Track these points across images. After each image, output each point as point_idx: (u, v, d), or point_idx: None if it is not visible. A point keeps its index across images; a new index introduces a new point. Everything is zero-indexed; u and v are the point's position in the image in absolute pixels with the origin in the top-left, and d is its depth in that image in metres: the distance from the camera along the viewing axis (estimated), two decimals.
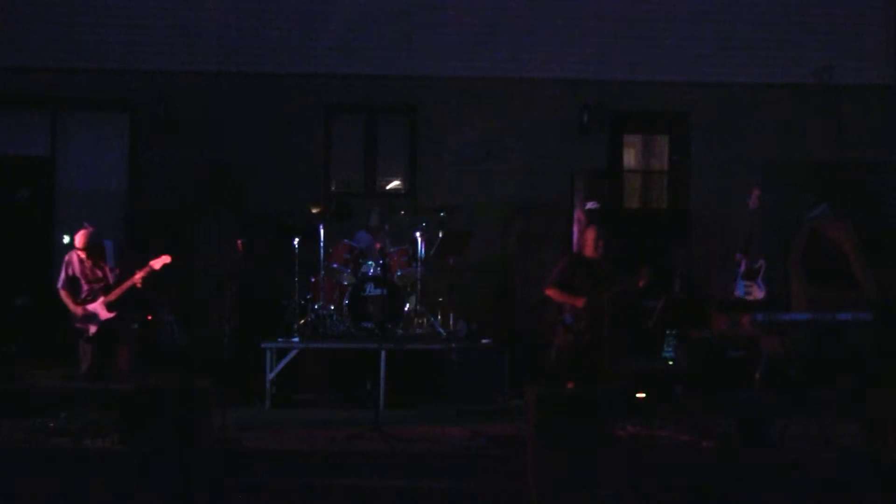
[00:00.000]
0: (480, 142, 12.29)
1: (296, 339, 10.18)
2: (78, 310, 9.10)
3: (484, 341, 10.31)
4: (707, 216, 12.23)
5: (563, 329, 9.17)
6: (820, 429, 7.83)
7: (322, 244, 10.59)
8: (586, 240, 9.47)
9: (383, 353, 9.81)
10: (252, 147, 12.02)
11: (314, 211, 10.52)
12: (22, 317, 10.83)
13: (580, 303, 9.05)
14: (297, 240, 10.49)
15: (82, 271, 9.10)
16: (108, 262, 9.07)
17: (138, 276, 8.90)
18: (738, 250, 10.37)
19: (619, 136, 12.66)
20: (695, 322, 9.61)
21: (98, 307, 9.07)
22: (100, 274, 9.09)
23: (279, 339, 10.21)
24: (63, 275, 9.16)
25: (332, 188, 12.36)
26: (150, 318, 10.26)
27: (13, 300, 10.89)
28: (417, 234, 10.73)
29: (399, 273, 10.53)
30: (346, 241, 10.74)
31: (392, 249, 10.72)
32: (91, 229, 9.03)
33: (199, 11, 12.03)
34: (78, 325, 9.13)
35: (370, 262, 10.49)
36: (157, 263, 8.89)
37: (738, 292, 10.23)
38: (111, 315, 9.03)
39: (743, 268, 10.27)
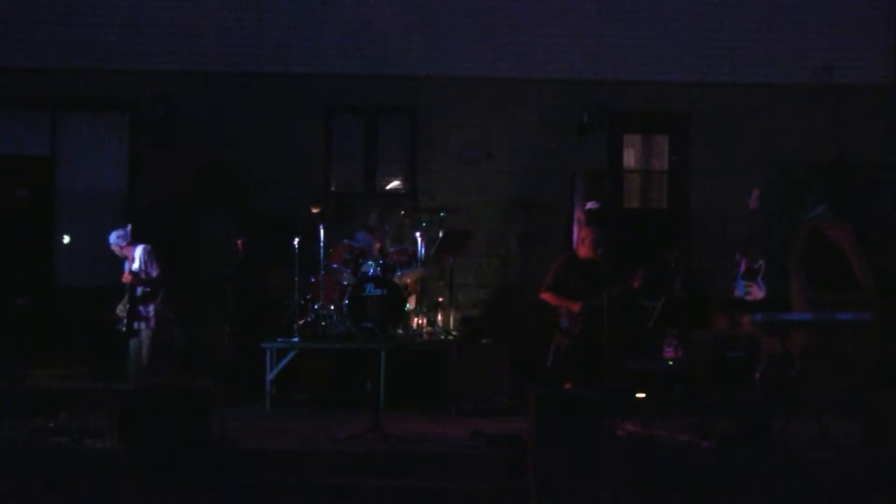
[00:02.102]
0: (480, 142, 12.28)
1: (296, 339, 10.18)
2: None
3: (484, 341, 10.31)
4: (707, 216, 12.23)
5: (560, 333, 9.17)
6: (820, 429, 7.83)
7: (322, 244, 10.59)
8: (583, 240, 9.47)
9: (383, 353, 9.81)
10: (252, 147, 12.02)
11: (314, 211, 10.52)
12: (22, 317, 10.83)
13: (576, 307, 9.04)
14: (297, 240, 10.49)
15: None
16: (133, 264, 9.46)
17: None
18: (738, 250, 10.37)
19: (619, 136, 12.65)
20: (695, 322, 9.61)
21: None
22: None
23: (279, 339, 10.21)
24: None
25: (332, 188, 12.35)
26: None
27: (13, 300, 10.89)
28: (417, 234, 10.74)
29: (399, 273, 10.53)
30: (346, 241, 10.74)
31: (392, 249, 10.72)
32: (117, 229, 9.60)
33: (199, 11, 12.02)
34: None
35: (370, 262, 10.49)
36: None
37: (738, 292, 10.23)
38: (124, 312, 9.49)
39: (743, 268, 10.27)
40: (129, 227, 9.68)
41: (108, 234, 9.89)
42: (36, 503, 7.22)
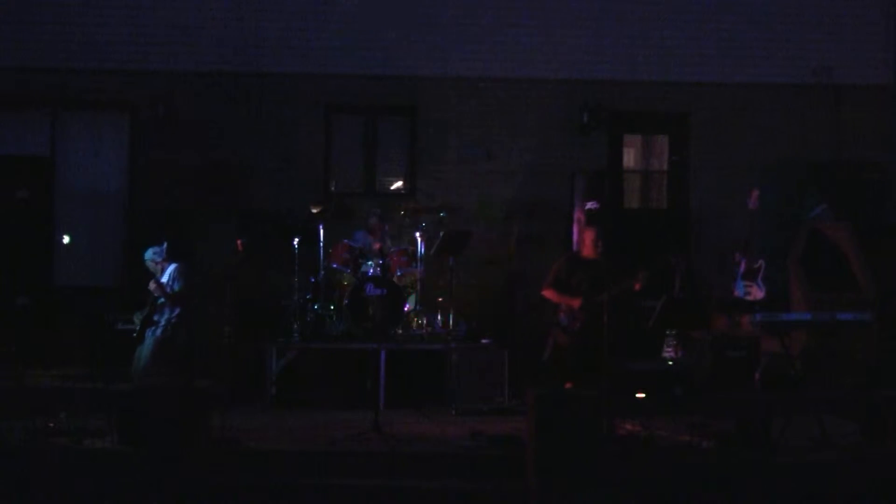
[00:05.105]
0: (480, 142, 12.28)
1: (296, 339, 10.17)
2: None
3: (484, 341, 10.31)
4: (707, 216, 12.23)
5: (559, 329, 9.17)
6: (820, 428, 7.83)
7: (322, 244, 10.58)
8: (585, 240, 9.49)
9: (383, 353, 9.81)
10: (252, 147, 12.01)
11: (314, 211, 10.52)
12: (22, 317, 10.82)
13: (577, 303, 9.06)
14: (297, 240, 10.49)
15: None
16: (161, 277, 9.67)
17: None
18: (738, 250, 10.38)
19: (619, 136, 12.65)
20: (695, 322, 9.62)
21: None
22: None
23: (279, 339, 10.21)
24: None
25: (332, 188, 12.33)
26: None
27: (13, 300, 10.88)
28: (417, 234, 10.74)
29: (399, 273, 10.52)
30: (346, 241, 10.74)
31: (392, 249, 10.72)
32: (154, 246, 9.82)
33: (199, 11, 12.02)
34: None
35: (370, 262, 10.49)
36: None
37: (738, 292, 10.23)
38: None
39: (743, 268, 10.28)
40: (165, 244, 9.84)
41: (145, 250, 10.00)
42: (36, 503, 7.22)
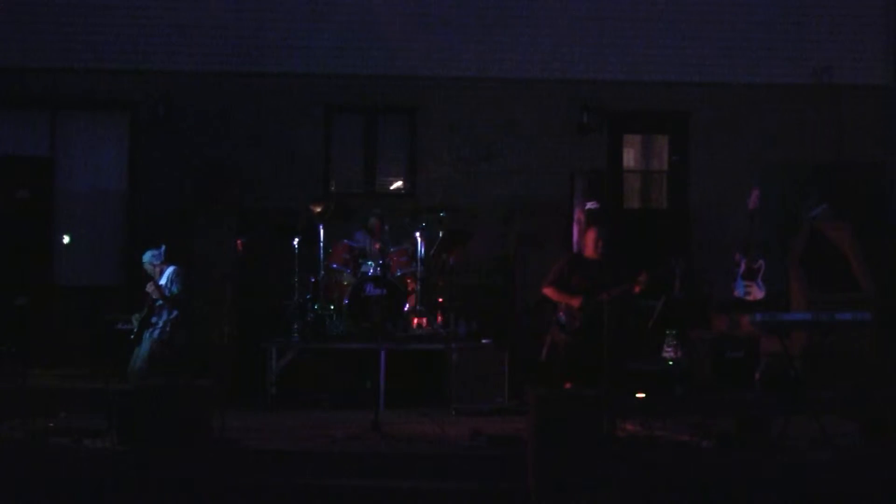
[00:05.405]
0: (480, 142, 12.29)
1: (296, 339, 10.17)
2: None
3: (484, 341, 10.30)
4: (707, 216, 12.23)
5: (557, 328, 9.18)
6: (820, 428, 7.83)
7: (322, 244, 10.59)
8: (586, 240, 9.47)
9: (383, 353, 9.81)
10: (252, 147, 12.02)
11: (314, 211, 10.52)
12: (22, 317, 10.83)
13: (576, 302, 9.05)
14: (297, 240, 10.49)
15: None
16: (160, 279, 9.82)
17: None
18: (738, 250, 10.38)
19: (619, 136, 12.66)
20: (695, 322, 9.62)
21: None
22: None
23: (279, 339, 10.21)
24: None
25: (332, 188, 12.35)
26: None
27: (13, 300, 10.89)
28: (417, 234, 10.73)
29: (399, 273, 10.52)
30: (346, 241, 10.74)
31: (392, 249, 10.71)
32: (152, 249, 9.99)
33: (199, 11, 12.03)
34: None
35: (370, 262, 10.49)
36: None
37: (738, 292, 10.24)
38: None
39: (743, 268, 10.28)
40: (164, 247, 9.99)
41: (144, 251, 10.10)
42: (36, 503, 7.22)
